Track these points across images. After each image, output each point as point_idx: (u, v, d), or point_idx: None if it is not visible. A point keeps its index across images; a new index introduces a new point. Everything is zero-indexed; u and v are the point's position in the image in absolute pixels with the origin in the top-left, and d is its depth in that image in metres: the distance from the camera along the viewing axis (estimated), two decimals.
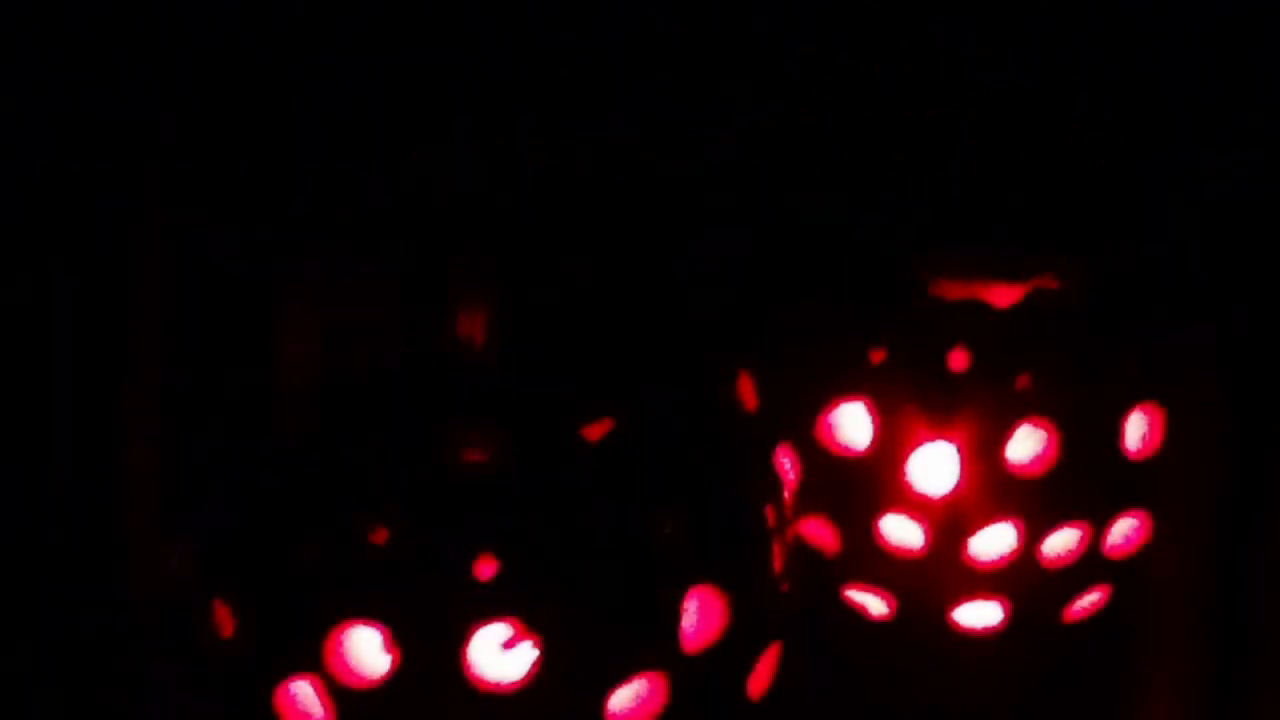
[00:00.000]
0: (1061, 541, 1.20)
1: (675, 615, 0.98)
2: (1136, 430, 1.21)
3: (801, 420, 1.20)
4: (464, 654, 0.96)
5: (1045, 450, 1.19)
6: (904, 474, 1.19)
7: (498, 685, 0.97)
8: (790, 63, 1.27)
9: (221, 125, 1.23)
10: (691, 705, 0.99)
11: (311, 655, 0.97)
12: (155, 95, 1.22)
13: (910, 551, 1.20)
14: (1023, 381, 1.18)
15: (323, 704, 0.98)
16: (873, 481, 1.20)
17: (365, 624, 0.97)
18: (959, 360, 1.18)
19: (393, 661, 0.97)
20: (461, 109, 1.24)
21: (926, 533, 1.20)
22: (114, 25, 1.21)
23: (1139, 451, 1.21)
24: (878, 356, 1.19)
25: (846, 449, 1.20)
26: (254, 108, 1.22)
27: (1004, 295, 1.20)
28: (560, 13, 1.24)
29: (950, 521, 1.19)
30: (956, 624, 1.22)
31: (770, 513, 1.04)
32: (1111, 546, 1.22)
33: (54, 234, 1.23)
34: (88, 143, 1.22)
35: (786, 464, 1.11)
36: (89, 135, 1.22)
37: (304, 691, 0.98)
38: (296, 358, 1.24)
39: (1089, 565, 1.21)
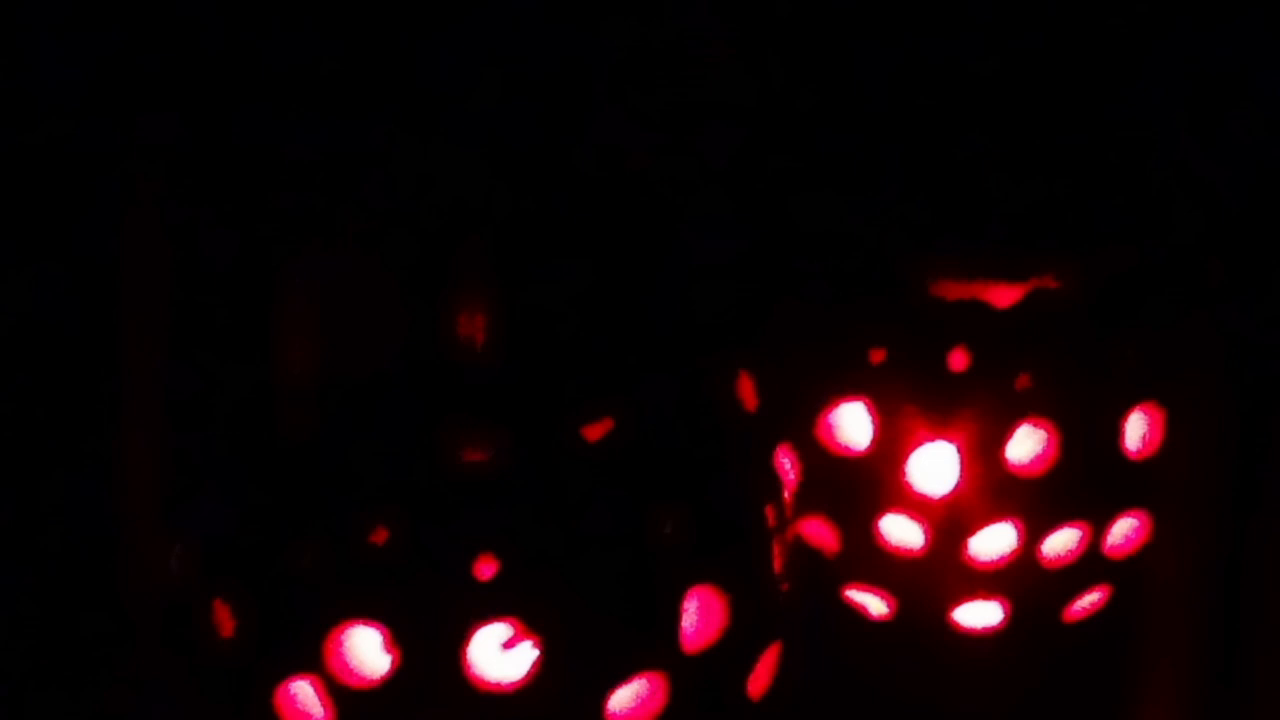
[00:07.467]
0: (1061, 541, 1.20)
1: (675, 615, 0.98)
2: (1136, 430, 1.21)
3: (801, 420, 1.20)
4: (464, 654, 0.96)
5: (1045, 450, 1.19)
6: (904, 474, 1.19)
7: (498, 685, 0.97)
8: (786, 61, 1.27)
9: (220, 123, 1.22)
10: (691, 705, 0.99)
11: (311, 655, 0.97)
12: (153, 93, 1.21)
13: (910, 551, 1.20)
14: (1023, 381, 1.18)
15: (323, 704, 0.98)
16: (873, 481, 1.20)
17: (365, 624, 0.97)
18: (959, 360, 1.18)
19: (393, 661, 0.97)
20: (461, 107, 1.24)
21: (926, 533, 1.20)
22: (113, 22, 1.20)
23: (1139, 451, 1.21)
24: (878, 356, 1.19)
25: (846, 449, 1.20)
26: (253, 106, 1.22)
27: (1004, 295, 1.20)
28: (560, 14, 1.24)
29: (950, 521, 1.19)
30: (956, 624, 1.22)
31: (770, 513, 1.04)
32: (1111, 546, 1.22)
33: (52, 233, 1.23)
34: (85, 141, 1.22)
35: (786, 464, 1.11)
36: (86, 134, 1.22)
37: (304, 691, 0.98)
38: (296, 357, 1.24)
39: (1089, 565, 1.21)
